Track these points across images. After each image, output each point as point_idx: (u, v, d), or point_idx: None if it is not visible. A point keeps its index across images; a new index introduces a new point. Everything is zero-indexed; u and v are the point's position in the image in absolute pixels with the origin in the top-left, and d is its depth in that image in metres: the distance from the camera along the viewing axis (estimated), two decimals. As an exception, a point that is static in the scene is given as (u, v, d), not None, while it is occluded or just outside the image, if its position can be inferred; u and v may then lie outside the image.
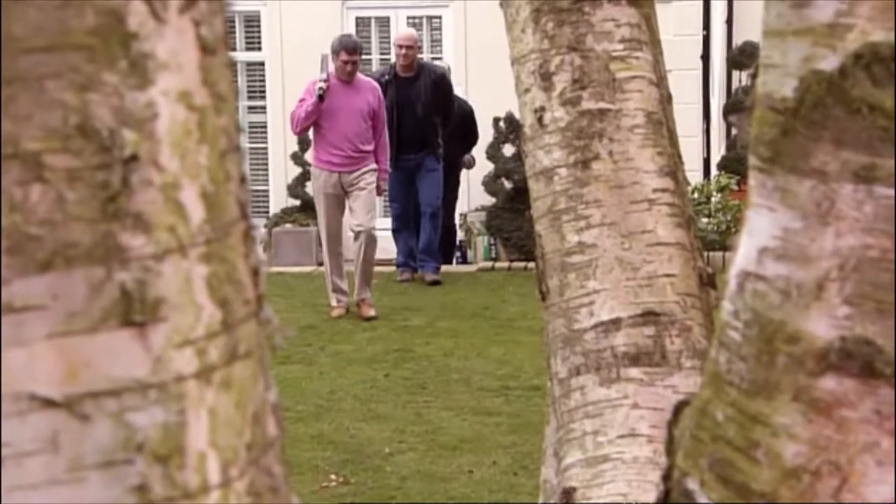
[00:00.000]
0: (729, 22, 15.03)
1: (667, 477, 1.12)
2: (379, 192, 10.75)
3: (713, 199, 12.09)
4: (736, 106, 13.76)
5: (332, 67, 10.27)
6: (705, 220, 11.64)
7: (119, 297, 0.78)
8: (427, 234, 11.96)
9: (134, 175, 0.78)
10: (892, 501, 1.04)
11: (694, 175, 11.45)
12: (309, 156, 13.88)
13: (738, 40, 14.59)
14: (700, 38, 13.11)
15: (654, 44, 2.11)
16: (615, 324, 2.00)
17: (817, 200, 1.04)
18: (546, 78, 2.05)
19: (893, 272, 1.02)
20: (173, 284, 0.80)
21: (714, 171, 13.22)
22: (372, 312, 10.58)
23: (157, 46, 0.79)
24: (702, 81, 13.34)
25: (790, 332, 1.05)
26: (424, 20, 13.87)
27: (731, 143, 14.30)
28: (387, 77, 11.41)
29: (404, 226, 12.16)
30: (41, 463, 0.78)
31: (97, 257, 0.78)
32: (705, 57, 13.25)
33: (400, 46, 11.59)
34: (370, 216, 10.54)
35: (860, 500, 1.04)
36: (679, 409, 1.14)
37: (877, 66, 1.01)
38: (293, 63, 13.92)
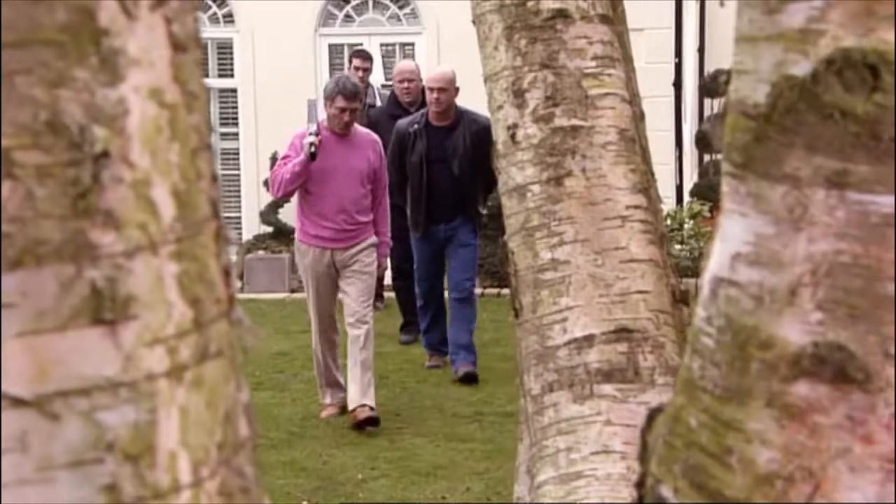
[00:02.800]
0: (700, 50, 15.13)
1: (640, 484, 1.12)
2: (381, 271, 8.48)
3: (686, 226, 12.13)
4: (702, 137, 13.84)
5: (322, 116, 8.09)
6: (678, 246, 11.67)
7: (89, 294, 0.78)
8: (458, 324, 9.31)
9: (105, 172, 0.78)
10: (866, 507, 1.04)
11: (667, 202, 11.50)
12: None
13: (709, 68, 14.68)
14: (672, 66, 13.18)
15: (627, 61, 2.12)
16: (588, 340, 2.00)
17: (790, 206, 1.04)
18: (519, 95, 2.05)
19: (865, 277, 1.03)
20: (144, 282, 0.79)
21: (687, 198, 13.27)
22: (372, 414, 8.07)
23: (128, 43, 0.79)
24: (674, 109, 13.40)
25: (763, 337, 1.05)
26: (398, 47, 13.91)
27: (703, 171, 14.37)
28: (416, 126, 9.07)
29: (434, 305, 9.59)
30: (10, 462, 0.77)
31: (67, 255, 0.77)
32: (677, 84, 13.32)
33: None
34: (367, 307, 8.22)
35: (833, 506, 1.04)
36: (652, 416, 1.14)
37: (849, 72, 1.01)
38: (265, 90, 13.94)
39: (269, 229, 13.92)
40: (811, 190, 1.03)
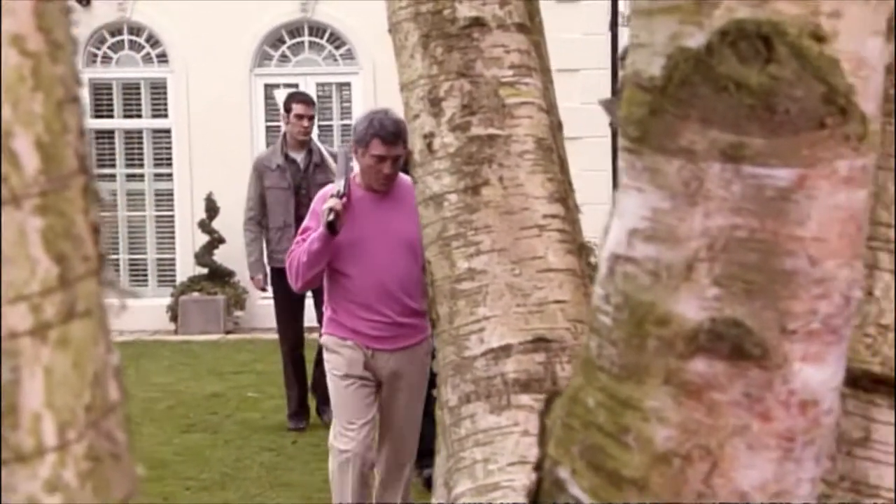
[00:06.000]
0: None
1: (538, 467, 1.09)
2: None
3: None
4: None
5: (355, 170, 5.82)
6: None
7: (-54, 247, 0.74)
8: None
9: (-37, 120, 0.75)
10: (762, 485, 1.02)
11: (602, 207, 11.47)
12: (218, 222, 13.77)
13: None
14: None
15: (544, 71, 2.11)
16: (505, 350, 1.98)
17: (686, 180, 1.03)
18: (435, 103, 2.04)
19: (762, 252, 1.01)
20: (6, 236, 0.76)
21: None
22: None
23: (-12, -14, 0.76)
24: (611, 149, 13.48)
25: (660, 314, 1.03)
26: (334, 87, 13.90)
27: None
28: None
29: None
30: None
31: (-77, 205, 0.74)
32: (614, 125, 13.35)
33: None
34: (414, 441, 6.07)
35: (731, 485, 1.02)
36: (551, 399, 1.12)
37: (743, 43, 1.00)
38: (200, 130, 13.87)
39: (204, 271, 13.81)
40: (707, 164, 1.02)
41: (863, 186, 1.03)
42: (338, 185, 5.62)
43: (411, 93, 2.06)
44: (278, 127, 14.14)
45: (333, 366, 5.77)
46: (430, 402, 5.90)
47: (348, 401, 5.74)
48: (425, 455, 6.24)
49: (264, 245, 8.91)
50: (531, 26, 2.08)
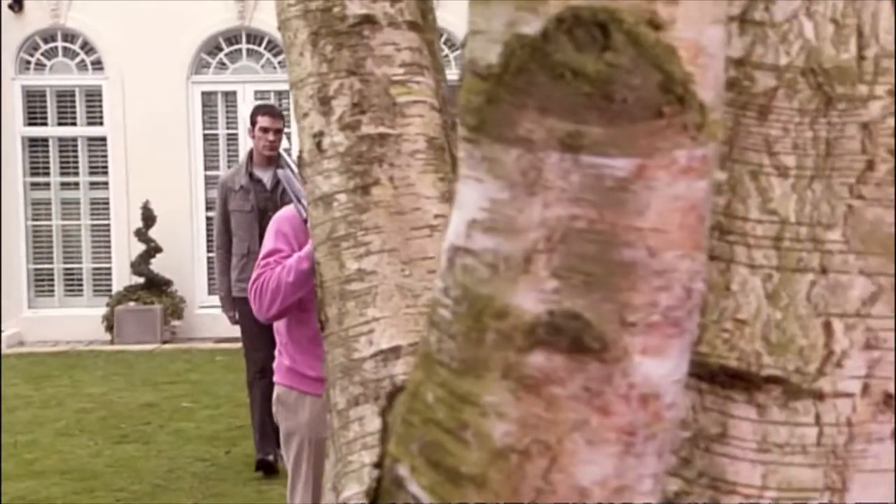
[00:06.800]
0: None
1: (378, 465, 1.07)
2: None
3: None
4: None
5: None
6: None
7: None
8: None
9: None
10: (602, 481, 1.00)
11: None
12: (155, 231, 13.64)
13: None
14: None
15: (437, 70, 2.08)
16: (394, 352, 1.95)
17: (524, 170, 1.00)
18: (325, 102, 2.01)
19: (601, 243, 0.99)
20: None
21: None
22: None
23: None
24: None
25: (498, 307, 1.01)
26: (272, 94, 13.83)
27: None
28: None
29: None
30: None
31: None
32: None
33: None
34: None
35: (570, 480, 1.00)
36: (393, 395, 1.09)
37: (579, 31, 0.98)
38: (137, 138, 13.76)
39: (141, 280, 13.69)
40: (545, 153, 0.99)
41: (703, 177, 1.01)
42: (300, 209, 4.88)
43: (300, 91, 2.03)
44: (216, 135, 14.09)
45: (292, 428, 5.01)
46: None
47: (310, 477, 4.94)
48: None
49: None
50: (423, 24, 2.06)
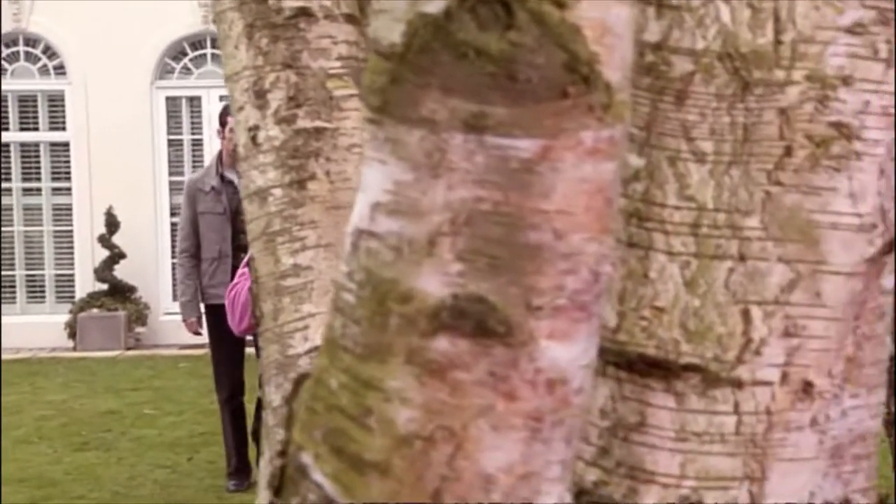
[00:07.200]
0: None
1: (283, 452, 1.05)
2: None
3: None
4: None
5: None
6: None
7: None
8: None
9: None
10: (508, 467, 0.98)
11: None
12: (119, 237, 13.51)
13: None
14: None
15: (374, 64, 2.06)
16: (330, 348, 1.93)
17: (428, 151, 0.98)
18: (260, 95, 1.98)
19: (506, 226, 0.98)
20: None
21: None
22: None
23: None
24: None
25: (402, 290, 0.99)
26: (237, 100, 13.78)
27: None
28: None
29: None
30: None
31: None
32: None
33: None
34: None
35: (475, 467, 0.98)
36: (299, 382, 1.07)
37: (482, 9, 0.96)
38: (100, 144, 13.68)
39: (104, 286, 13.60)
40: (449, 134, 0.98)
41: (610, 158, 0.99)
42: None
43: (236, 84, 2.01)
44: (181, 140, 14.02)
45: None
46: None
47: None
48: None
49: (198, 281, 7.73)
50: (361, 17, 2.04)
